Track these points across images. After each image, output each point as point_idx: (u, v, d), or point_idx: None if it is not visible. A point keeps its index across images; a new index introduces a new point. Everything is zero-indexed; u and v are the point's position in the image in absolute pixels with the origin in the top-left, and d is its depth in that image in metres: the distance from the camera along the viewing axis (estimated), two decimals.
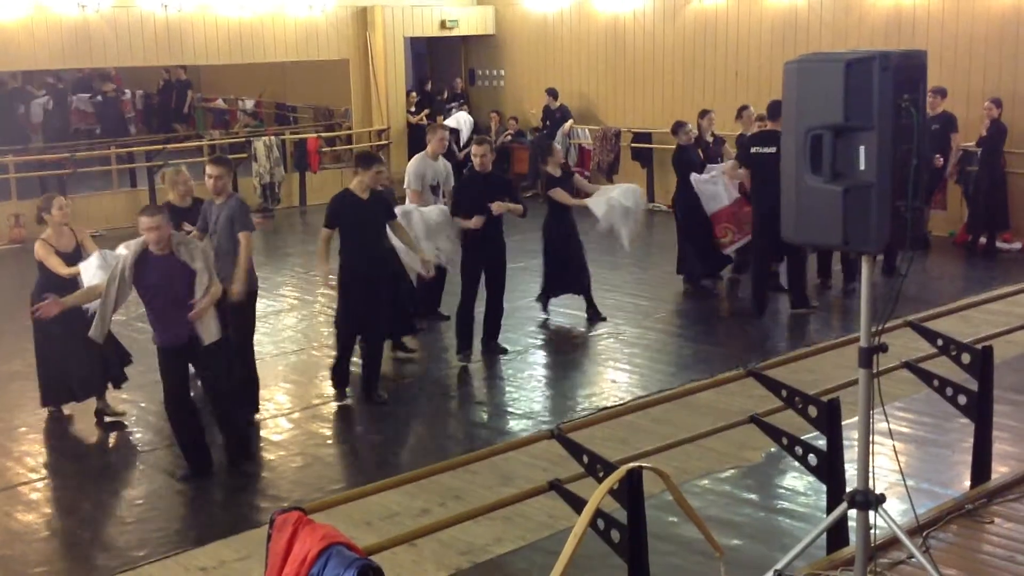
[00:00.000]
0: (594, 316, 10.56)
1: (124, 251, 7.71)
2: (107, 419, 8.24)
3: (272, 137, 17.34)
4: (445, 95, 19.12)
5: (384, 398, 8.43)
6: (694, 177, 11.51)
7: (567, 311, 10.88)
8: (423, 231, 9.26)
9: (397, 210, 9.00)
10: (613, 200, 10.46)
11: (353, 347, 8.59)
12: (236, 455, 7.29)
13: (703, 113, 12.75)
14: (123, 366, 8.54)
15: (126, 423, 8.23)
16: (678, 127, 11.95)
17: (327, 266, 8.48)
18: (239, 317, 7.91)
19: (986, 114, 12.68)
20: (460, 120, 18.04)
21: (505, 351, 9.48)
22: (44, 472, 7.39)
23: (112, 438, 8.02)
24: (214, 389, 7.26)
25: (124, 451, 7.78)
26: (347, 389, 8.55)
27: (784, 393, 5.49)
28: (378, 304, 8.40)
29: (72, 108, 21.57)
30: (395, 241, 8.94)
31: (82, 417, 8.42)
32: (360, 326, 8.47)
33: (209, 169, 7.95)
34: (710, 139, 12.64)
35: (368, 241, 8.31)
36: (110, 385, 8.42)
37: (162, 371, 7.09)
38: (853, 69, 4.18)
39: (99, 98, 20.59)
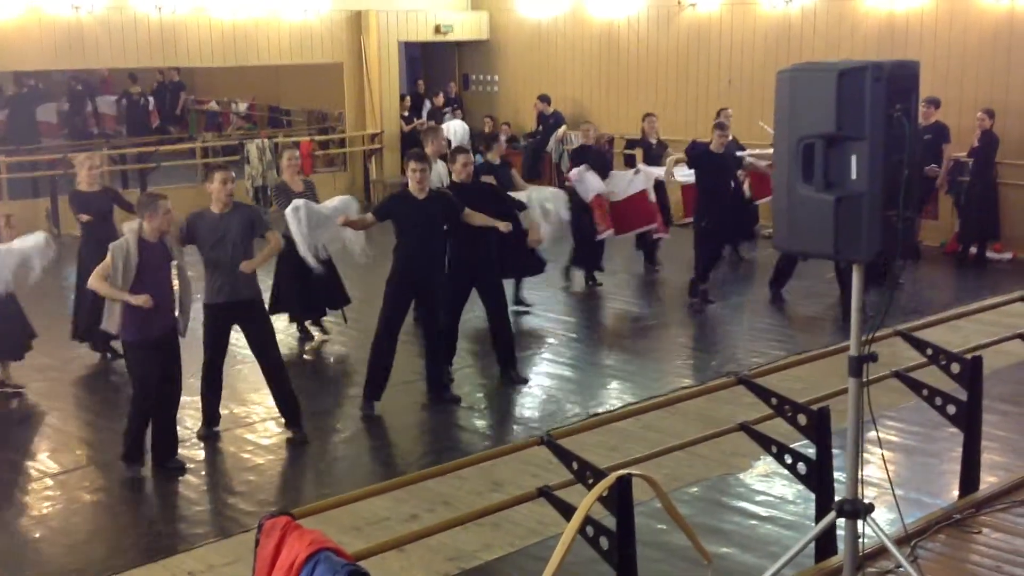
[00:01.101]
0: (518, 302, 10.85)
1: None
2: (8, 391, 8.52)
3: (265, 140, 17.31)
4: (442, 100, 19.11)
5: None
6: (572, 172, 11.80)
7: (558, 316, 10.89)
8: (308, 226, 9.08)
9: (290, 207, 8.99)
10: (534, 198, 10.48)
11: (394, 353, 8.34)
12: (165, 454, 7.31)
13: (646, 116, 13.30)
14: (28, 338, 8.89)
15: (112, 422, 8.21)
16: (580, 125, 12.55)
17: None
18: (263, 326, 7.81)
19: (978, 124, 12.72)
20: (453, 128, 18.03)
21: (526, 381, 8.96)
22: (29, 472, 7.36)
23: (98, 438, 7.99)
24: (175, 389, 7.28)
25: (110, 452, 7.74)
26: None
27: (774, 401, 5.49)
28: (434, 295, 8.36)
29: (95, 110, 21.41)
30: (294, 230, 8.94)
31: (66, 417, 8.40)
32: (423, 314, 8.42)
33: (222, 175, 7.52)
34: (654, 141, 13.07)
35: (423, 241, 8.18)
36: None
37: (139, 367, 7.07)
38: (846, 79, 4.20)
39: (124, 101, 20.54)
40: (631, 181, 12.05)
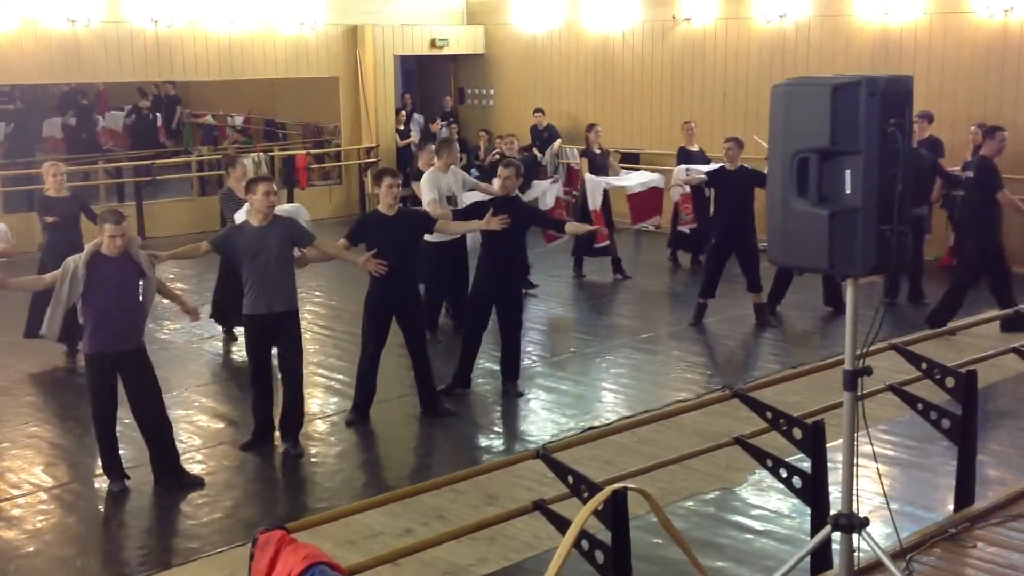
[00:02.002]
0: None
1: None
2: None
3: (261, 153, 17.32)
4: (438, 124, 19.09)
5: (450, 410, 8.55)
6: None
7: (551, 330, 10.88)
8: None
9: (239, 211, 8.94)
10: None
11: (376, 375, 8.38)
12: (169, 472, 7.23)
13: (590, 127, 13.86)
14: None
15: None
16: (504, 137, 13.66)
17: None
18: (294, 340, 7.77)
19: (971, 139, 12.74)
20: None
21: (521, 395, 8.97)
22: (25, 488, 7.34)
23: (90, 451, 7.95)
24: (151, 403, 7.19)
25: None
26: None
27: (769, 415, 5.49)
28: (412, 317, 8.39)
29: (101, 126, 21.39)
30: None
31: (63, 434, 8.38)
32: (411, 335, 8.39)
33: (265, 186, 7.51)
34: (597, 151, 13.66)
35: (396, 260, 8.10)
36: None
37: (94, 381, 7.03)
38: (840, 93, 4.22)
39: (132, 116, 20.51)
40: (547, 191, 12.84)
